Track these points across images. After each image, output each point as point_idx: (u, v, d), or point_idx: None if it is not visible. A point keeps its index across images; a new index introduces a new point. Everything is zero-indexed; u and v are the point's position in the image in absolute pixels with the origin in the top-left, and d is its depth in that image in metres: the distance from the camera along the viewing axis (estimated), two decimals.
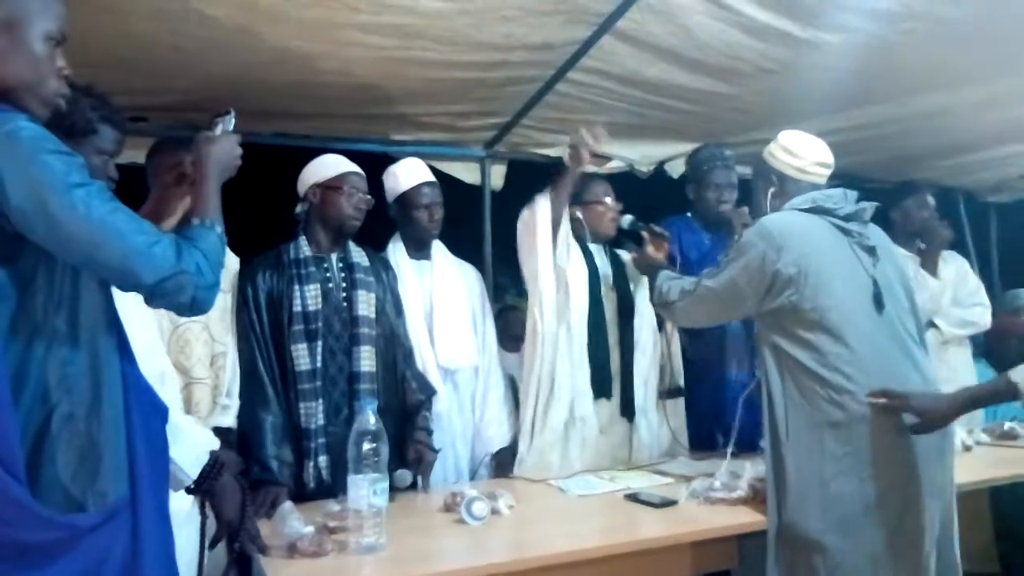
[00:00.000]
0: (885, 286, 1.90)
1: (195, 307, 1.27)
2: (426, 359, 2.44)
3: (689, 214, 2.92)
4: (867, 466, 1.78)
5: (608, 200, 2.61)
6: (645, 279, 2.61)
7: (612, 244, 2.72)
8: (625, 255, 2.71)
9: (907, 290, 2.00)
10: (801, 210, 1.95)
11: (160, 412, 1.36)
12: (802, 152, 2.03)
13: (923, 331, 2.01)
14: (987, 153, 3.67)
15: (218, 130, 1.46)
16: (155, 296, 1.22)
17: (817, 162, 2.04)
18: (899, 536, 1.76)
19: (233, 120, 1.48)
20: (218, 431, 1.94)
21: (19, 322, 1.14)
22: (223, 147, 1.43)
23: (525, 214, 2.53)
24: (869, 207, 2.00)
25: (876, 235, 2.02)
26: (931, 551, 1.80)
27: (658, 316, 2.63)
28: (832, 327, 1.84)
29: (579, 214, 2.58)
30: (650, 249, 2.52)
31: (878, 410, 1.78)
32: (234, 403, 2.10)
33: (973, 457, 2.53)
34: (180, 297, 1.23)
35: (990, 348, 3.44)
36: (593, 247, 2.62)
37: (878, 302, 1.87)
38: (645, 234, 2.55)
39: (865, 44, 2.38)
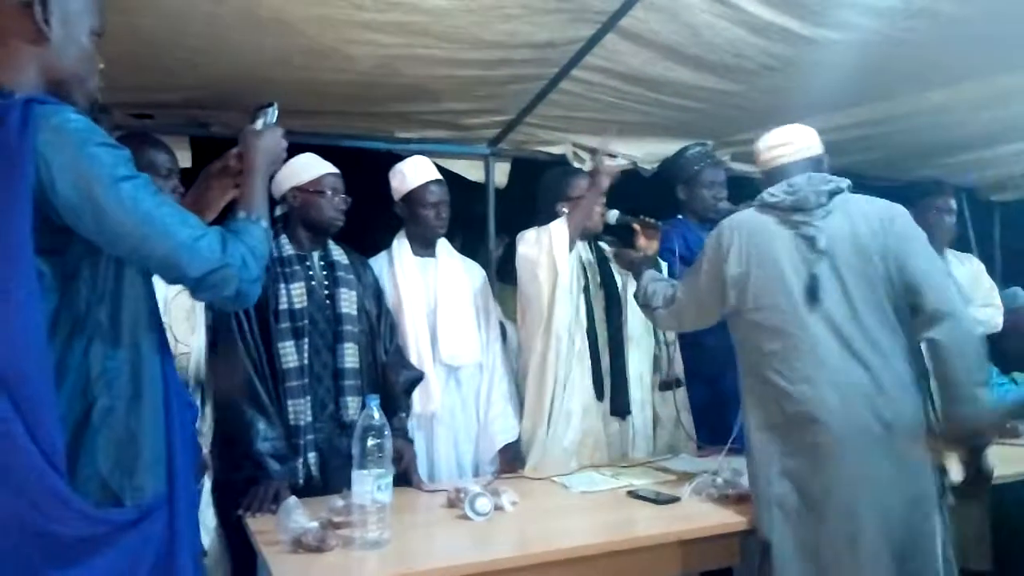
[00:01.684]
0: (829, 279, 1.82)
1: (239, 300, 1.28)
2: (426, 356, 2.44)
3: (680, 216, 2.92)
4: (805, 468, 1.79)
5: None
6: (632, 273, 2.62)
7: (595, 237, 2.70)
8: (607, 248, 2.70)
9: (872, 279, 1.82)
10: (755, 207, 1.97)
11: (192, 410, 1.37)
12: (762, 145, 2.03)
13: (893, 323, 1.82)
14: (990, 151, 3.67)
15: (260, 123, 1.46)
16: (200, 289, 1.24)
17: (772, 145, 2.01)
18: (839, 538, 1.75)
19: (276, 112, 1.48)
20: None
21: (61, 315, 1.15)
22: (270, 140, 1.44)
23: (533, 236, 2.50)
24: (822, 191, 1.88)
25: (841, 217, 1.86)
26: (879, 555, 1.73)
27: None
28: (771, 328, 1.86)
29: (565, 210, 2.56)
30: (642, 241, 2.51)
31: (815, 414, 1.78)
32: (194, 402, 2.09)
33: None
34: (225, 290, 1.24)
35: (994, 348, 3.42)
36: (579, 243, 2.60)
37: (812, 297, 1.82)
38: (636, 226, 2.54)
39: (867, 41, 2.38)
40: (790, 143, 2.00)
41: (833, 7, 2.20)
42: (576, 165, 3.22)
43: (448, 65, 2.40)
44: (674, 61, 2.52)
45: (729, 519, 1.91)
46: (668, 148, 3.34)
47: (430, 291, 2.52)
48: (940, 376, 1.79)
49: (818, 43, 2.39)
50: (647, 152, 3.34)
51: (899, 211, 1.90)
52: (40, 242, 1.10)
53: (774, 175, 1.99)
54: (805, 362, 1.81)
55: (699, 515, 1.94)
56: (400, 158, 2.66)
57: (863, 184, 2.06)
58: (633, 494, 2.09)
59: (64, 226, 1.13)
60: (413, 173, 2.53)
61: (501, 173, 3.29)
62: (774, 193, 1.93)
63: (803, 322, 1.82)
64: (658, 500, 2.02)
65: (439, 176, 2.57)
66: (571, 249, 2.47)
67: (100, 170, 1.12)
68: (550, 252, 2.43)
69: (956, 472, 1.80)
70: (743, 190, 3.04)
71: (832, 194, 1.89)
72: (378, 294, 2.42)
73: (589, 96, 2.79)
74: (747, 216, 1.97)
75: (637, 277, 2.37)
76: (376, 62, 2.33)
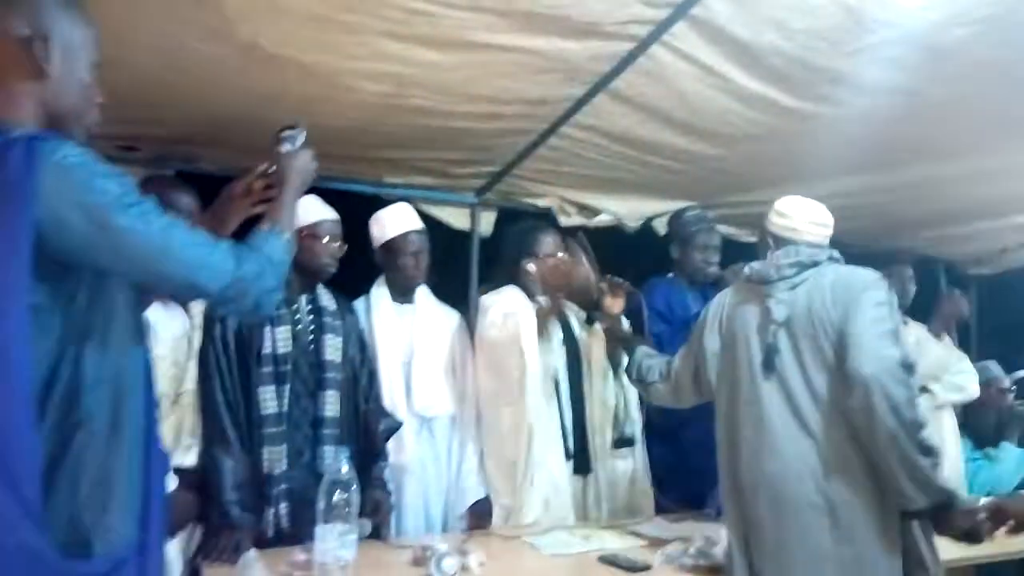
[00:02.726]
0: (787, 350, 1.83)
1: (258, 310, 1.29)
2: (399, 406, 2.41)
3: (671, 274, 2.94)
4: (751, 537, 1.82)
5: (561, 254, 2.59)
6: (595, 328, 2.61)
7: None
8: (595, 323, 2.68)
9: (824, 350, 1.78)
10: (739, 281, 2.05)
11: (165, 458, 1.34)
12: (792, 212, 2.02)
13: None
14: (970, 226, 3.73)
15: (287, 146, 1.52)
16: (220, 303, 1.25)
17: (811, 221, 2.00)
18: None
19: (304, 134, 1.54)
20: (178, 471, 1.91)
21: (48, 345, 1.13)
22: (304, 161, 1.51)
23: (499, 317, 2.44)
24: (783, 264, 1.91)
25: (804, 290, 1.86)
26: None
27: (611, 359, 2.62)
28: (733, 397, 1.92)
29: (531, 267, 2.56)
30: (608, 300, 2.51)
31: (759, 483, 1.81)
32: (197, 443, 2.05)
33: None
34: (243, 303, 1.25)
35: (967, 421, 3.45)
36: (541, 300, 2.56)
37: (767, 367, 1.85)
38: (603, 285, 2.53)
39: (854, 117, 2.42)
40: (816, 225, 1.99)
41: (820, 83, 2.25)
42: (561, 218, 3.25)
43: (439, 116, 2.41)
44: (661, 124, 2.55)
45: None
46: (652, 207, 3.38)
47: (406, 339, 2.50)
48: (869, 454, 1.70)
49: (803, 115, 2.43)
50: (631, 209, 3.38)
51: (861, 279, 1.84)
52: (39, 272, 1.10)
53: (783, 244, 1.99)
54: (755, 431, 1.84)
55: None
56: (386, 202, 2.66)
57: (842, 253, 2.05)
58: (604, 559, 2.04)
59: (68, 260, 1.12)
60: (393, 222, 2.53)
61: (487, 222, 3.29)
62: (752, 266, 1.98)
63: (758, 391, 1.85)
64: (629, 568, 1.97)
65: (419, 226, 2.57)
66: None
67: (110, 200, 1.12)
68: (518, 341, 2.38)
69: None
70: (730, 253, 3.07)
71: (803, 267, 1.89)
72: (361, 341, 2.38)
73: (577, 152, 2.81)
74: (730, 290, 2.07)
75: (629, 353, 2.38)
76: (368, 109, 2.34)
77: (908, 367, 1.68)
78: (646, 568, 1.98)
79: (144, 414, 1.24)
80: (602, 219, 3.34)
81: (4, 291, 1.07)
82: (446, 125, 2.50)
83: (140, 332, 1.28)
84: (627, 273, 2.64)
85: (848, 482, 1.73)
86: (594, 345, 2.60)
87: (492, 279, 2.66)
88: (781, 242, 2.00)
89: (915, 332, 3.28)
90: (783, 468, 1.77)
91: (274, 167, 1.51)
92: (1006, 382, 3.53)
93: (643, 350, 2.33)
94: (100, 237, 1.12)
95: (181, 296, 1.26)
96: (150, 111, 2.31)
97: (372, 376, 2.37)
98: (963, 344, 3.61)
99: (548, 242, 2.59)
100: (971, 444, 3.36)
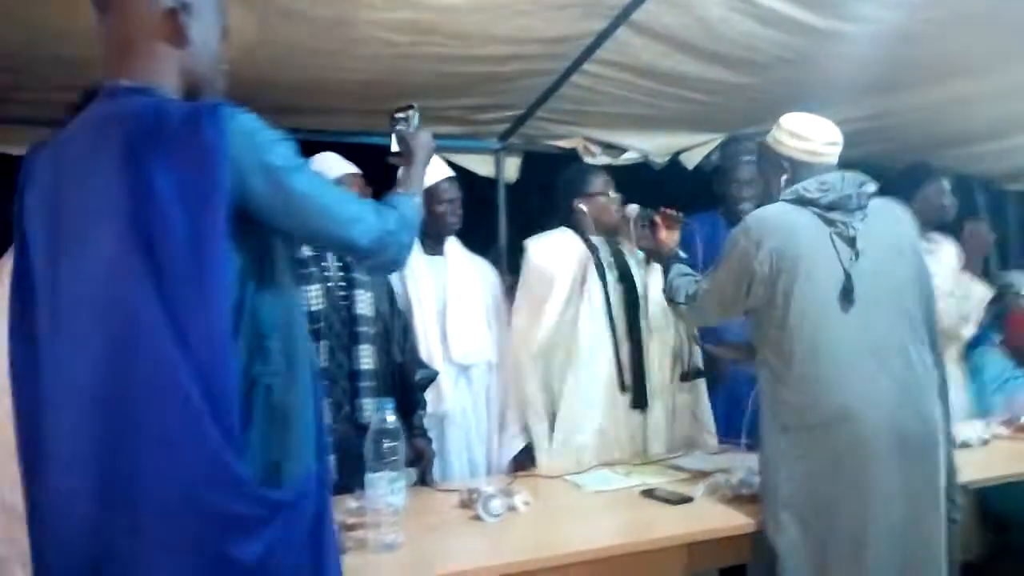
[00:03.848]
0: (864, 282, 1.77)
1: (396, 264, 1.38)
2: (436, 355, 2.44)
3: (719, 210, 2.89)
4: (817, 474, 1.76)
5: (611, 192, 2.58)
6: (653, 265, 2.57)
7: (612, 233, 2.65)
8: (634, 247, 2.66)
9: (908, 286, 1.82)
10: (788, 201, 1.88)
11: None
12: (810, 134, 1.92)
13: (920, 331, 1.82)
14: (1006, 141, 3.62)
15: (405, 128, 1.61)
16: (368, 256, 1.32)
17: (827, 142, 1.92)
18: (845, 548, 1.72)
19: (418, 114, 1.63)
20: None
21: (232, 294, 1.19)
22: (426, 138, 1.61)
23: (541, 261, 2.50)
24: (863, 192, 1.85)
25: (876, 220, 1.84)
26: (886, 569, 1.72)
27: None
28: (797, 327, 1.78)
29: (583, 206, 2.55)
30: (663, 234, 2.46)
31: (834, 419, 1.75)
32: None
33: (988, 452, 2.52)
34: (386, 255, 1.32)
35: (1007, 341, 3.37)
36: (596, 240, 2.57)
37: (846, 298, 1.77)
38: (657, 219, 2.50)
39: (885, 33, 2.35)
40: (832, 145, 1.92)
41: (849, 0, 2.17)
42: (586, 159, 3.21)
43: (458, 62, 2.38)
44: (686, 54, 2.49)
45: (742, 520, 1.89)
46: (679, 141, 3.33)
47: (440, 290, 2.52)
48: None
49: (834, 35, 2.36)
50: (658, 145, 3.32)
51: (908, 216, 1.92)
52: (228, 230, 1.16)
53: (802, 168, 1.90)
54: (829, 365, 1.76)
55: (712, 516, 1.93)
56: None
57: (875, 175, 1.98)
58: (646, 494, 2.08)
59: (245, 215, 1.18)
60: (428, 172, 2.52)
61: (511, 168, 3.27)
62: (809, 188, 1.84)
63: (832, 324, 1.76)
64: (671, 500, 2.01)
65: (451, 173, 2.57)
66: (590, 247, 2.48)
67: (283, 162, 1.19)
68: (554, 284, 2.45)
69: None
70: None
71: (871, 196, 1.86)
72: (391, 294, 2.40)
73: (600, 90, 2.77)
74: (779, 211, 1.87)
75: (665, 271, 2.33)
76: (386, 60, 2.32)
77: None
78: (688, 500, 2.01)
79: (309, 354, 1.32)
80: (628, 157, 3.29)
81: (209, 246, 1.14)
82: (465, 71, 2.47)
83: (295, 281, 1.36)
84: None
85: (914, 415, 1.74)
86: (652, 281, 2.59)
87: (545, 226, 2.64)
88: (800, 167, 1.90)
89: (946, 256, 3.14)
90: (860, 405, 1.72)
91: (398, 148, 1.61)
92: None
93: (677, 268, 2.24)
94: (276, 196, 1.19)
95: (338, 250, 1.33)
96: None
97: (406, 328, 2.40)
98: (1002, 259, 3.53)
99: (598, 181, 2.58)
100: (1013, 363, 3.31)
